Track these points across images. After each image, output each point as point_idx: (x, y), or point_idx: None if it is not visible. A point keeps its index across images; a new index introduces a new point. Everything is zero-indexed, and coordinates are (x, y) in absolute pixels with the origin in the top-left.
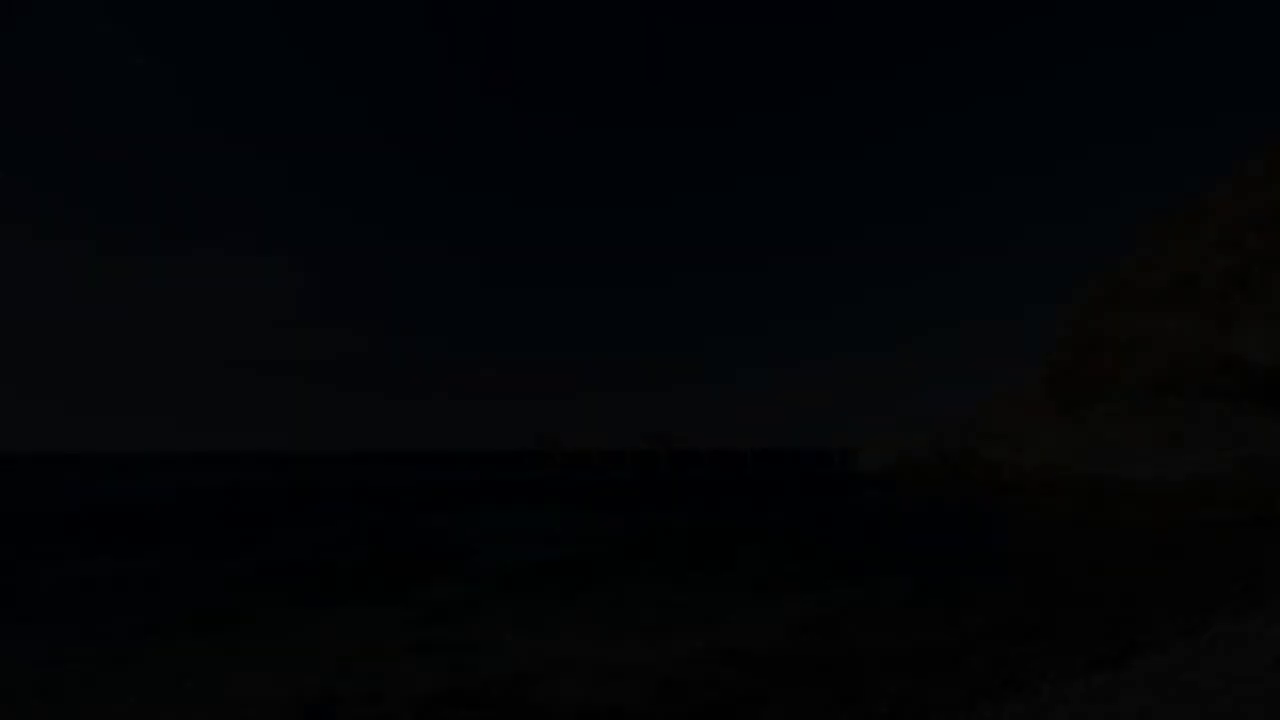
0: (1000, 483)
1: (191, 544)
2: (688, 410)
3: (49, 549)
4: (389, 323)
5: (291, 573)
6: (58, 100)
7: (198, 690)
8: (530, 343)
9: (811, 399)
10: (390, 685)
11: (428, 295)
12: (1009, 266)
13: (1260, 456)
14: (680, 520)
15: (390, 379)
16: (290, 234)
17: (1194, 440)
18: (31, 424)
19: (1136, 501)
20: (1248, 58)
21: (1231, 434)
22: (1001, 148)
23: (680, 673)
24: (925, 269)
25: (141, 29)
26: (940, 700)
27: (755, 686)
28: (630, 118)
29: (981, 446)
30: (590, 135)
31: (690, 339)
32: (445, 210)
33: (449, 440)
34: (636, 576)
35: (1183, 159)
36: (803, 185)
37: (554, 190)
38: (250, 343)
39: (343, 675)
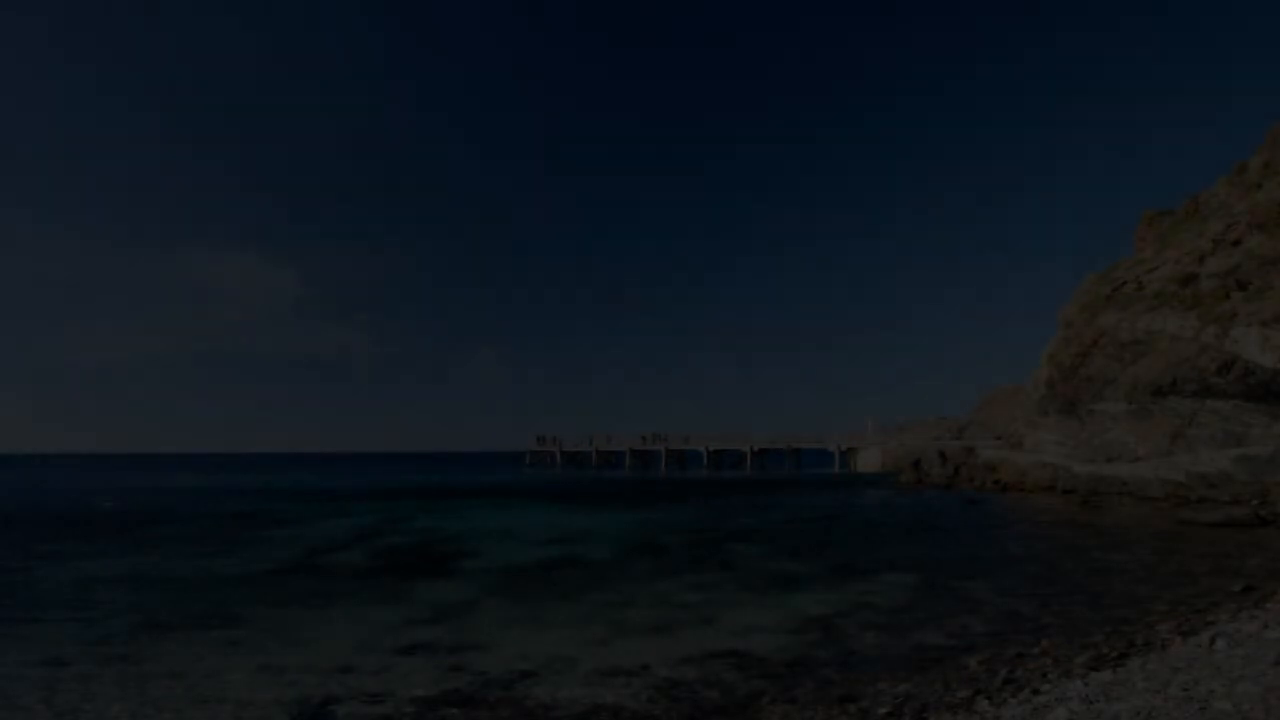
0: (1000, 483)
1: (191, 544)
2: (688, 409)
3: (49, 549)
4: (388, 323)
5: (290, 573)
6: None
7: (196, 690)
8: (530, 342)
9: (811, 399)
10: (390, 685)
11: (426, 295)
12: (1009, 265)
13: (1260, 456)
14: (680, 520)
15: (388, 379)
16: (288, 233)
17: (1194, 440)
18: (30, 424)
19: (1136, 501)
20: (1248, 57)
21: (1231, 434)
22: (1000, 146)
23: (680, 673)
24: (925, 267)
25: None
26: (940, 700)
27: (755, 686)
28: (632, 126)
29: (981, 446)
30: (592, 136)
31: (689, 338)
32: (443, 208)
33: (448, 440)
34: (636, 576)
35: (1183, 158)
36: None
37: (556, 189)
38: (248, 342)
39: (343, 675)
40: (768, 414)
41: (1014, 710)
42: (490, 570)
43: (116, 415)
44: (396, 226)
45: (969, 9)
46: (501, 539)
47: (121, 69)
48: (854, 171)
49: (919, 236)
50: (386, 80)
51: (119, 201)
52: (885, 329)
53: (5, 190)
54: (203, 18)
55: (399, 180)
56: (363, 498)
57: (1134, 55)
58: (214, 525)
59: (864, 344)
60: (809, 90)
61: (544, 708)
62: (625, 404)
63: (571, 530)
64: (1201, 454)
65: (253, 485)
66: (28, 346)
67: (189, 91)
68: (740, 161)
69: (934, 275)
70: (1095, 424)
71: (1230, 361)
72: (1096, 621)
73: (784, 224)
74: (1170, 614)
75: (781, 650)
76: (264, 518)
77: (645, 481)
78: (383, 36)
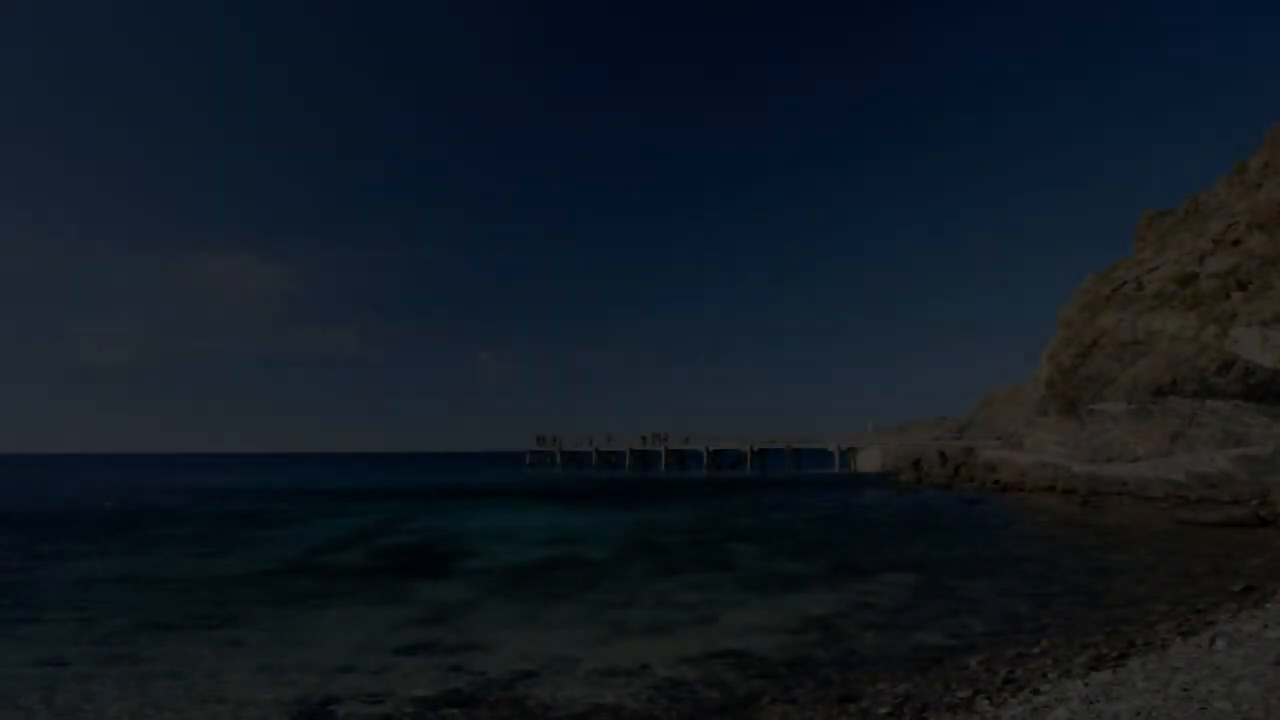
0: (1000, 483)
1: (191, 544)
2: (688, 409)
3: (49, 549)
4: (386, 323)
5: (290, 573)
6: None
7: (196, 690)
8: (530, 342)
9: (812, 399)
10: (390, 685)
11: (425, 295)
12: (1009, 265)
13: (1260, 456)
14: (680, 520)
15: (387, 379)
16: (285, 233)
17: (1194, 440)
18: (31, 424)
19: (1136, 501)
20: (1248, 57)
21: (1231, 434)
22: (1000, 145)
23: (680, 673)
24: (925, 267)
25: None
26: (940, 700)
27: (755, 686)
28: (630, 120)
29: (981, 446)
30: (591, 136)
31: (690, 338)
32: (443, 208)
33: (447, 440)
34: (636, 576)
35: (1183, 159)
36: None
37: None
38: (246, 343)
39: (343, 675)
40: (767, 413)
41: (1014, 710)
42: (490, 570)
43: (117, 415)
44: (395, 226)
45: (969, 7)
46: (501, 539)
47: (119, 69)
48: (854, 170)
49: (919, 235)
50: (384, 78)
51: (118, 202)
52: (885, 328)
53: (4, 191)
54: (201, 17)
55: (397, 180)
56: (363, 498)
57: (1134, 55)
58: (214, 525)
59: (864, 344)
60: (806, 86)
61: (544, 708)
62: (625, 404)
63: (571, 530)
64: (1201, 454)
65: (253, 485)
66: (28, 346)
67: (187, 91)
68: (739, 159)
69: (934, 274)
70: (1095, 424)
71: (1230, 361)
72: (1096, 621)
73: (783, 222)
74: (1170, 614)
75: (781, 650)
76: (264, 518)
77: (645, 481)
78: (379, 34)
